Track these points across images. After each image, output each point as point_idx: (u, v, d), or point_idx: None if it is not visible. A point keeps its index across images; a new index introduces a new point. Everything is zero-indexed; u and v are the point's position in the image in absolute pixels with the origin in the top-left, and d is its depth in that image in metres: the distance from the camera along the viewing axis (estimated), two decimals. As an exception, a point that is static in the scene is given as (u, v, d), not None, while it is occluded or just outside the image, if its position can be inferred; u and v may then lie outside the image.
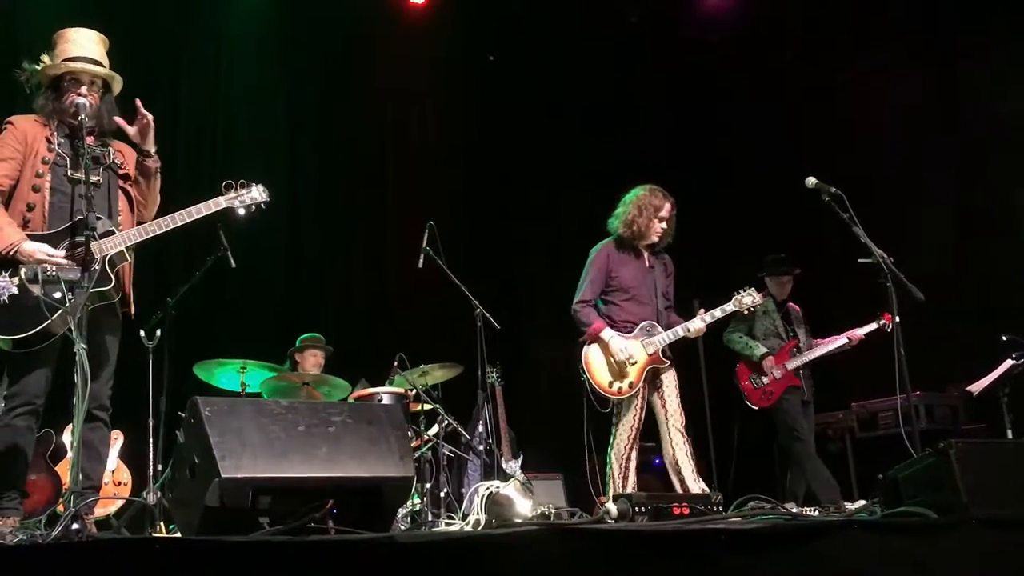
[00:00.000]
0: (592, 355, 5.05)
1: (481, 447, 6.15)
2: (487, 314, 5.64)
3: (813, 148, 7.40)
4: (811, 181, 4.83)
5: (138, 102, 3.91)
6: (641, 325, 5.08)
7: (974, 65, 6.89)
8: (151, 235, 3.83)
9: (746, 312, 5.35)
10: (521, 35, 8.66)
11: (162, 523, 4.65)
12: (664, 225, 5.19)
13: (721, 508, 4.18)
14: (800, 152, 7.37)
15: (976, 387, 6.02)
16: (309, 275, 7.79)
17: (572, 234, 8.79)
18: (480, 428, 6.20)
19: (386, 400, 5.70)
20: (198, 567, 2.31)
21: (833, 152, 7.07)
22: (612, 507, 3.97)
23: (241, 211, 4.07)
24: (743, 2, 8.22)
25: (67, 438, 5.49)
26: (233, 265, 5.27)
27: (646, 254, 5.26)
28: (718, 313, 5.15)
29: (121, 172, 3.98)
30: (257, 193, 4.11)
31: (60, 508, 4.40)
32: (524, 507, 4.51)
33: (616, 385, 5.00)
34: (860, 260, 4.81)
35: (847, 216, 4.69)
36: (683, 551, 2.77)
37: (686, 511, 4.00)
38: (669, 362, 5.10)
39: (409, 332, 7.47)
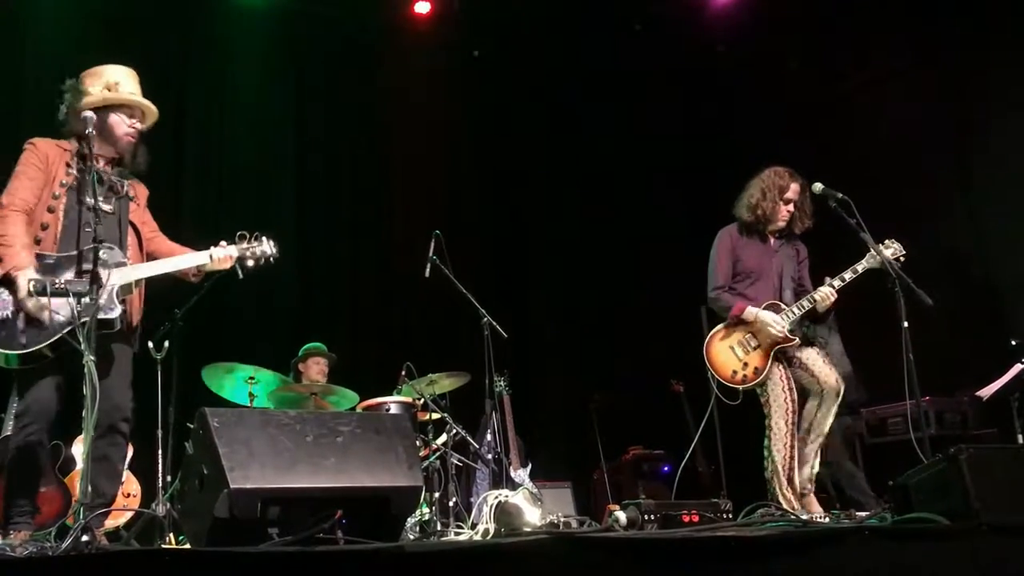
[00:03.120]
0: (713, 347, 4.81)
1: (489, 456, 6.13)
2: (494, 323, 5.64)
3: (819, 154, 7.38)
4: (818, 187, 4.82)
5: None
6: (763, 307, 4.81)
7: (977, 70, 6.88)
8: (162, 272, 3.96)
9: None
10: (525, 42, 8.67)
11: (171, 534, 4.65)
12: (791, 208, 4.89)
13: (730, 515, 4.17)
14: (806, 158, 7.35)
15: (986, 392, 5.97)
16: (316, 285, 7.79)
17: (580, 240, 8.83)
18: (488, 437, 6.18)
19: (394, 409, 5.71)
20: (208, 578, 2.31)
21: (840, 158, 7.05)
22: (621, 515, 3.97)
23: (250, 263, 4.25)
24: (748, 10, 8.22)
25: (76, 450, 5.51)
26: (241, 276, 5.25)
27: (772, 239, 4.98)
28: (848, 275, 4.73)
29: (132, 205, 4.03)
30: (268, 247, 4.30)
31: (70, 521, 4.41)
32: (533, 516, 4.51)
33: (740, 374, 4.74)
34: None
35: (854, 222, 4.67)
36: (693, 559, 2.76)
37: (696, 518, 4.00)
38: (797, 340, 4.76)
39: (416, 341, 7.48)
